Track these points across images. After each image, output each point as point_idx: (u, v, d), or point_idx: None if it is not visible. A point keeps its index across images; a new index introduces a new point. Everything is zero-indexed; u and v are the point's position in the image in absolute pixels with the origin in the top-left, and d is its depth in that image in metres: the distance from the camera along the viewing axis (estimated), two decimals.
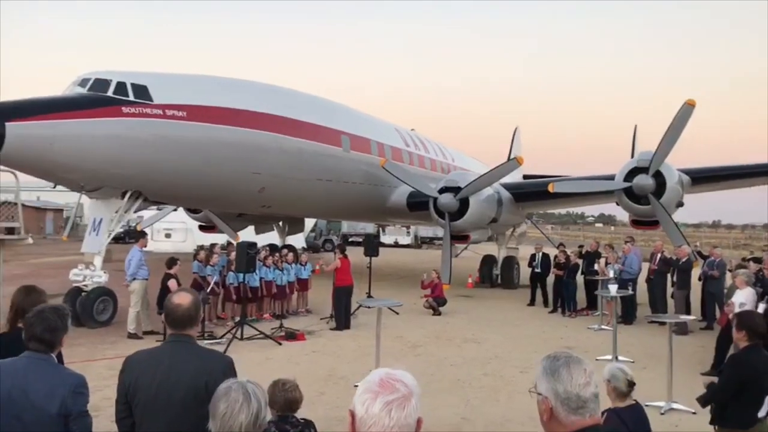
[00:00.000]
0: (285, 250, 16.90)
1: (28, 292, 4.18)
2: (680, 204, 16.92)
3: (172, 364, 3.24)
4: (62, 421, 3.18)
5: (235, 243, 15.62)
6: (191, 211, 21.89)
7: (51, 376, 3.24)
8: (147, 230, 32.38)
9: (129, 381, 3.27)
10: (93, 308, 12.77)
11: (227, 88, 14.99)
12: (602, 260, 16.59)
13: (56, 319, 3.36)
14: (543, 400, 2.19)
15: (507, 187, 20.59)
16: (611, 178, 17.02)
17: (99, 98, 12.45)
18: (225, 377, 2.87)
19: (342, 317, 14.04)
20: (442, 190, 18.65)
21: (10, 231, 11.25)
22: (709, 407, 5.38)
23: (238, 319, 12.97)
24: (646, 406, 8.17)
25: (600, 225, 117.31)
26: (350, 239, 42.66)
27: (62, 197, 44.61)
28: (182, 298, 3.36)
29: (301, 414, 4.26)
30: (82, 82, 12.78)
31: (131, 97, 12.73)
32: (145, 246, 13.84)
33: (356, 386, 1.96)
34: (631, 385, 4.77)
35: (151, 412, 3.21)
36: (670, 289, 15.40)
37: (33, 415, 3.14)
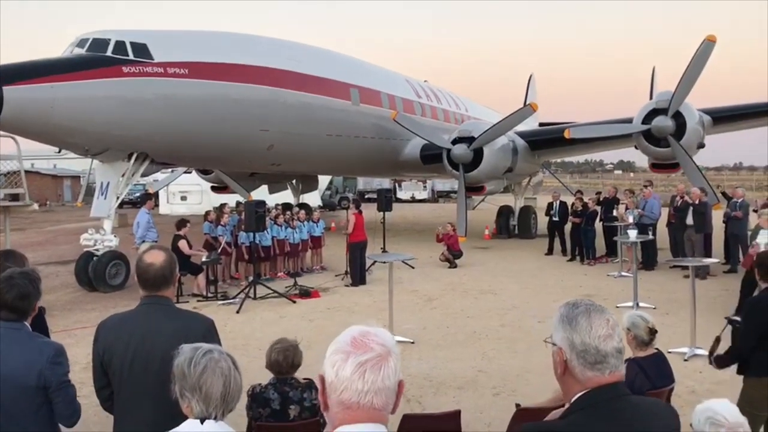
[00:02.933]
0: (297, 208, 16.67)
1: (6, 257, 3.76)
2: (701, 145, 16.44)
3: (147, 329, 2.99)
4: (42, 393, 2.96)
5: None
6: (202, 172, 21.69)
7: (25, 346, 3.00)
8: (162, 193, 32.81)
9: (103, 348, 3.03)
10: (105, 273, 12.64)
11: (229, 44, 14.62)
12: (621, 206, 16.18)
13: (27, 284, 3.11)
14: (558, 351, 1.93)
15: (522, 135, 20.11)
16: (629, 121, 16.54)
17: (98, 58, 12.14)
18: (205, 340, 2.58)
19: (357, 273, 13.84)
20: (455, 141, 18.24)
21: (15, 197, 11.09)
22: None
23: (252, 278, 12.83)
24: (669, 353, 7.91)
25: (619, 172, 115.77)
26: (366, 196, 42.34)
27: (79, 164, 44.50)
28: (154, 257, 3.08)
29: (313, 371, 4.02)
30: (81, 43, 12.49)
31: (131, 56, 12.41)
32: (152, 208, 13.66)
33: None
34: (652, 333, 4.48)
35: (128, 379, 2.98)
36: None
37: (10, 389, 2.90)
